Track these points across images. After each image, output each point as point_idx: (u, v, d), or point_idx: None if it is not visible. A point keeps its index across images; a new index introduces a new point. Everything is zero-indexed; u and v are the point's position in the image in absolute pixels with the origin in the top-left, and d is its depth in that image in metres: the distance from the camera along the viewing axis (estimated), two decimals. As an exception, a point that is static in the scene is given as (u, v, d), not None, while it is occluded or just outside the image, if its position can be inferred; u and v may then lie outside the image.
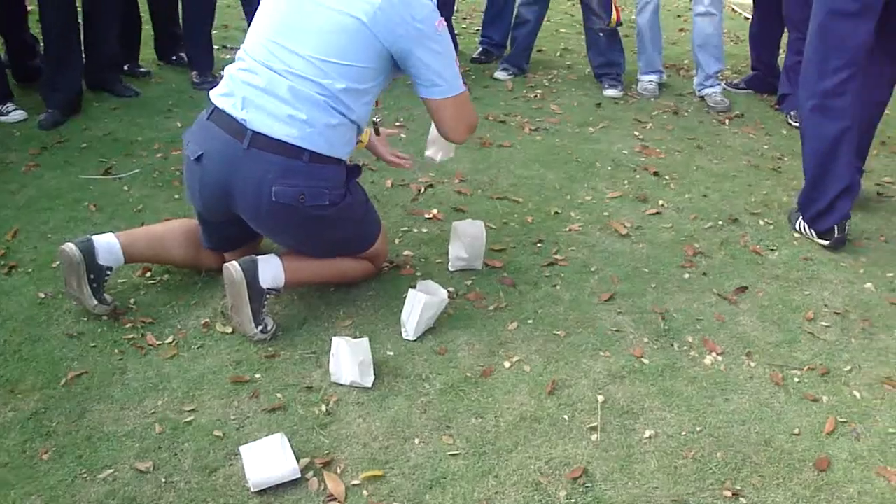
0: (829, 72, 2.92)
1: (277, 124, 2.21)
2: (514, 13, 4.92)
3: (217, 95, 2.32)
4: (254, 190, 2.24)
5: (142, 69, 4.57)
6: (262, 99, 2.23)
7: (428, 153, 2.80)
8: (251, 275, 2.31)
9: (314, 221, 2.33)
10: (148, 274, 2.66)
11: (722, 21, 4.56)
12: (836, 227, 3.03)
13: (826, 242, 3.06)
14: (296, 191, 2.24)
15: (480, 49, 5.13)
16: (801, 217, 3.16)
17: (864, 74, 2.99)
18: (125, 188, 3.25)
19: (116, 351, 2.31)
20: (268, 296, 2.37)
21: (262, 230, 2.42)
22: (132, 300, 2.54)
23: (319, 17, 2.22)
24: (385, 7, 2.19)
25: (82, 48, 4.04)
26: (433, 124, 2.86)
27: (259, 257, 2.36)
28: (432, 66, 2.28)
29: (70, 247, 2.34)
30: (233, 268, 2.30)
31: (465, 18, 6.05)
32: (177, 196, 3.18)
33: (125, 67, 4.49)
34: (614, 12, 4.46)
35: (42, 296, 2.54)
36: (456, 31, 5.41)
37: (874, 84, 3.10)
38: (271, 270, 2.36)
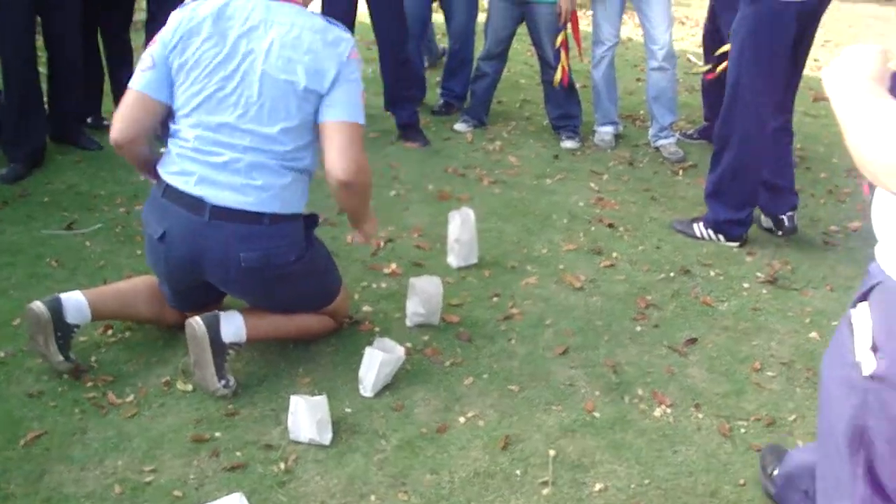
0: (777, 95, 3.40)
1: (234, 195, 2.29)
2: (474, 66, 5.03)
3: (168, 174, 2.36)
4: (221, 259, 2.32)
5: (105, 122, 4.60)
6: (217, 174, 2.30)
7: (448, 259, 3.23)
8: (213, 330, 2.35)
9: (282, 279, 2.40)
10: (109, 331, 2.69)
11: (675, 75, 4.71)
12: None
13: (737, 244, 3.58)
14: (262, 254, 2.31)
15: (442, 101, 5.22)
16: (702, 223, 3.62)
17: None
18: (87, 243, 3.28)
19: (77, 410, 2.33)
20: (230, 351, 2.41)
21: (232, 293, 2.49)
22: (93, 358, 2.56)
23: (254, 88, 2.28)
24: (316, 60, 2.27)
25: (45, 101, 4.08)
26: (450, 230, 3.16)
27: (221, 313, 2.42)
28: (344, 92, 2.31)
29: (38, 305, 2.38)
30: (195, 323, 2.35)
31: (426, 69, 6.15)
32: (139, 252, 3.21)
33: (88, 120, 4.53)
34: (559, 72, 4.58)
35: (2, 354, 2.55)
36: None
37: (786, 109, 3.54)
38: (233, 326, 2.41)
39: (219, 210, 2.29)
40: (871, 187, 1.37)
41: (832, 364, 1.47)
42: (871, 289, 1.36)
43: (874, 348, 1.32)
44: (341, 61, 2.30)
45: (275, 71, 2.26)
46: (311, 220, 2.50)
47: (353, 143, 2.30)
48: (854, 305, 1.39)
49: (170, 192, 2.34)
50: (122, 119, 2.40)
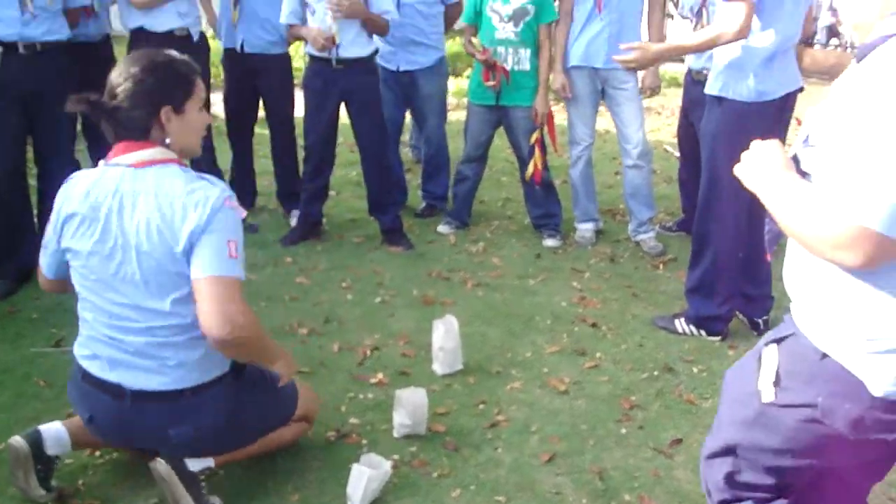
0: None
1: (149, 377, 2.27)
2: (455, 170, 5.13)
3: (83, 358, 2.35)
4: (153, 438, 2.34)
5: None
6: (127, 358, 2.26)
7: (434, 366, 3.29)
8: (177, 463, 2.33)
9: (221, 435, 2.38)
10: (97, 453, 2.69)
11: (651, 171, 4.83)
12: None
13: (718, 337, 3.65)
14: (191, 427, 2.30)
15: (424, 204, 5.33)
16: (683, 319, 3.69)
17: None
18: (75, 361, 3.30)
19: (63, 539, 2.33)
20: (201, 476, 2.39)
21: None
22: (80, 481, 2.56)
23: (133, 266, 2.18)
24: (183, 224, 2.15)
25: (35, 215, 4.14)
26: (434, 338, 3.19)
27: None
28: (208, 244, 2.16)
29: (17, 440, 2.38)
30: (159, 465, 2.33)
31: (408, 171, 6.27)
32: (127, 368, 3.23)
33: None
34: (531, 167, 4.70)
35: (-14, 481, 2.55)
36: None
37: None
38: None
39: (138, 394, 2.27)
40: (773, 249, 1.67)
41: (733, 383, 1.76)
42: (785, 337, 1.61)
43: (777, 383, 1.60)
44: (204, 218, 2.15)
45: (147, 246, 2.16)
46: (236, 369, 2.40)
47: (224, 298, 2.13)
48: (766, 345, 1.63)
49: (87, 377, 2.33)
50: (39, 281, 2.51)
